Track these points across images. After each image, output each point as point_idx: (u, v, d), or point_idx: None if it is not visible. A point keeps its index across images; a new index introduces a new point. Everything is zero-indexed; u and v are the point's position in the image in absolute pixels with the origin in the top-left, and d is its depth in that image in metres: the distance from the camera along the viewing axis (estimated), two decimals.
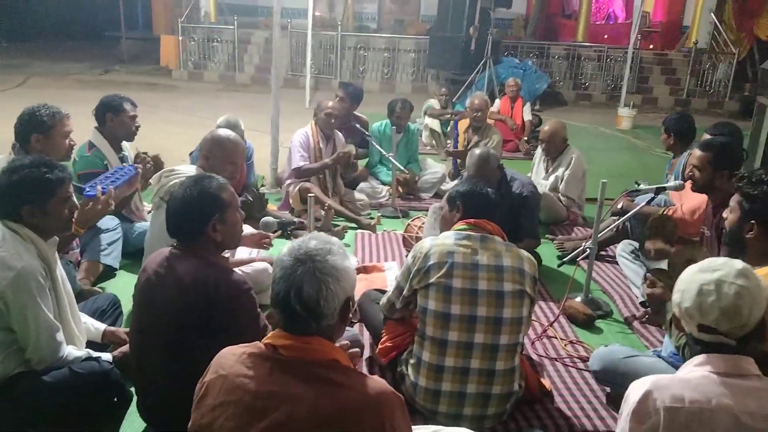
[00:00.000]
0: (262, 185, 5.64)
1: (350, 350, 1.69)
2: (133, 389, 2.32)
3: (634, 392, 1.58)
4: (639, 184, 3.80)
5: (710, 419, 1.47)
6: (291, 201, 4.85)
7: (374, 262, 4.08)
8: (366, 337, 3.02)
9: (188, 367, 1.79)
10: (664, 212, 3.69)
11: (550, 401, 2.69)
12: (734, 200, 2.27)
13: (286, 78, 12.73)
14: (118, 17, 15.22)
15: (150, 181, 3.12)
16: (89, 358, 2.29)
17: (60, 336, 2.21)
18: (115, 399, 2.30)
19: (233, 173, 3.06)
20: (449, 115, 7.62)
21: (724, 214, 2.36)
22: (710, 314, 1.55)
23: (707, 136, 3.94)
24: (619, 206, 4.08)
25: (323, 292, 1.46)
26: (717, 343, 1.57)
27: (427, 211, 4.28)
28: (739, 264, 1.60)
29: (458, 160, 5.52)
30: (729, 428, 1.47)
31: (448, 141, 6.92)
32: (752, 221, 2.18)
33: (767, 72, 5.73)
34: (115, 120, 3.83)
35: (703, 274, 1.60)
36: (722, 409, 1.48)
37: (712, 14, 13.50)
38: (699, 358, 1.60)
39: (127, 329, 2.55)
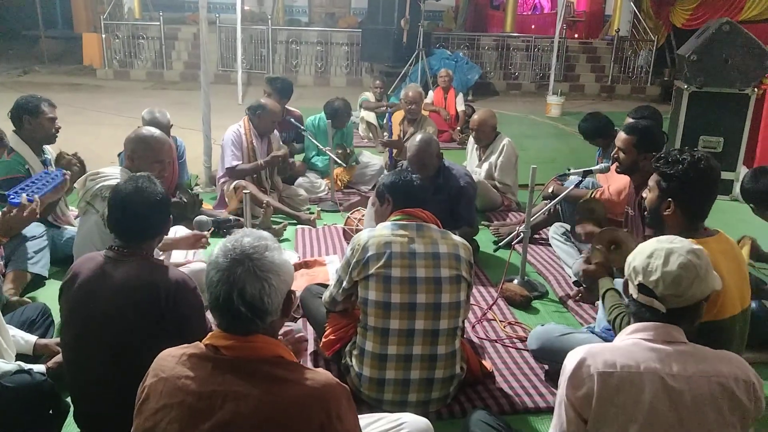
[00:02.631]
0: (196, 184, 5.52)
1: (296, 335, 1.68)
2: (69, 399, 2.25)
3: (569, 361, 1.65)
4: (569, 170, 3.94)
5: (639, 382, 1.56)
6: (227, 199, 4.76)
7: (315, 257, 4.07)
8: (310, 332, 3.02)
9: (134, 371, 1.73)
10: (592, 195, 3.85)
11: (492, 382, 2.77)
12: (653, 180, 2.36)
13: (216, 74, 12.48)
14: (35, 15, 14.48)
15: (75, 185, 3.00)
16: (20, 371, 2.19)
17: None
18: (51, 411, 2.21)
19: (161, 172, 2.99)
20: (384, 108, 7.65)
21: (644, 194, 2.45)
22: (652, 275, 1.65)
23: (630, 120, 4.12)
24: (550, 190, 4.23)
25: (266, 290, 1.44)
26: (650, 308, 1.67)
27: (366, 204, 4.29)
28: (695, 245, 1.71)
29: (394, 151, 5.56)
30: (656, 390, 1.56)
31: (385, 133, 6.95)
32: (669, 199, 2.27)
33: (683, 58, 6.01)
34: (32, 123, 3.67)
35: (660, 243, 1.71)
36: (650, 372, 1.57)
37: (632, 3, 14.09)
38: (631, 327, 1.70)
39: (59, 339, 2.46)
